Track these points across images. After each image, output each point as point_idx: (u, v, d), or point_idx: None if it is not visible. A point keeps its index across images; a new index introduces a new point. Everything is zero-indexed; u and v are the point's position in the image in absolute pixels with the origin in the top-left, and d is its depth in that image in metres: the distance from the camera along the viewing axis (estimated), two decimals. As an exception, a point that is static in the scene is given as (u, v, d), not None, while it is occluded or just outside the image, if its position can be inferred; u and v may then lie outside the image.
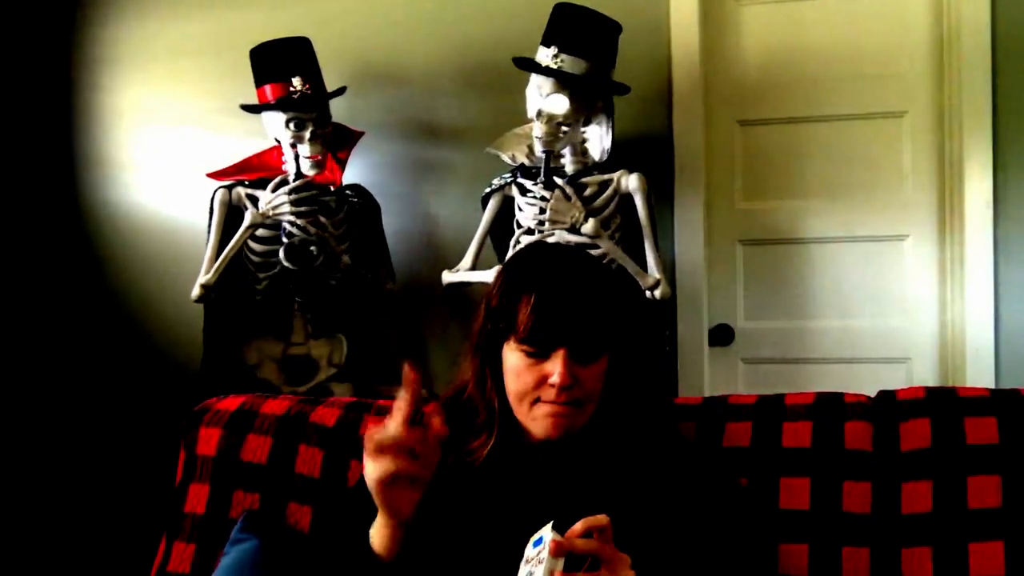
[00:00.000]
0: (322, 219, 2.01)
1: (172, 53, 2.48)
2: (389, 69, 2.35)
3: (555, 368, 1.02)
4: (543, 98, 1.84)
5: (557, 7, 1.89)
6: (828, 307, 2.24)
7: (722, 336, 2.28)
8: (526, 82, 1.97)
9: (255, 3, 2.40)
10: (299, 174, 1.99)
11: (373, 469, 0.92)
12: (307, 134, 1.96)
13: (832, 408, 1.22)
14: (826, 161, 2.23)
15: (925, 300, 2.19)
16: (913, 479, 1.14)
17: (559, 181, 1.93)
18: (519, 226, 1.98)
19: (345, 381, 2.08)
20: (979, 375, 2.06)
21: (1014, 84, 2.05)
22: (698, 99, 2.20)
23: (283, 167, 2.04)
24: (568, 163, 1.96)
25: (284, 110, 1.97)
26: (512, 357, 1.06)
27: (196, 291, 1.99)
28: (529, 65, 1.86)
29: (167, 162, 2.49)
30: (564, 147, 1.91)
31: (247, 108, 2.03)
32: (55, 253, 2.52)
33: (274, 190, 1.98)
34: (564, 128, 1.86)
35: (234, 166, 2.10)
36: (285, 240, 1.98)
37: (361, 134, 2.14)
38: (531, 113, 1.90)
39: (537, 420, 1.05)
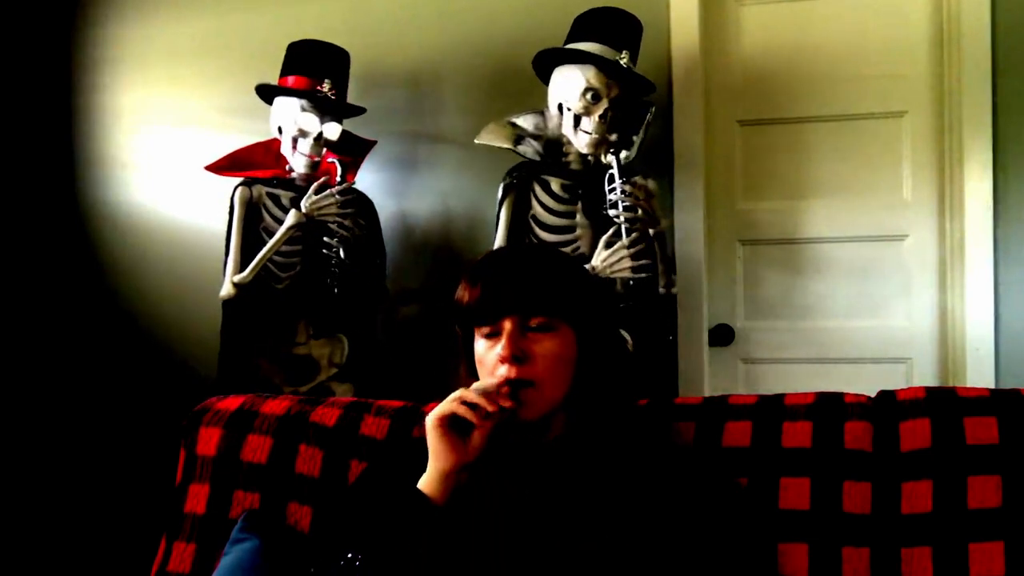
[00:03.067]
0: (361, 221, 2.03)
1: (172, 54, 2.48)
2: (389, 69, 2.35)
3: (503, 342, 1.03)
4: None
5: (615, 10, 1.91)
6: (828, 307, 2.24)
7: (722, 336, 2.28)
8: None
9: (255, 4, 2.40)
10: (343, 178, 2.02)
11: (436, 410, 1.00)
12: (311, 132, 1.97)
13: (832, 408, 1.22)
14: (826, 161, 2.23)
15: (925, 300, 2.19)
16: (913, 479, 1.14)
17: (646, 180, 1.94)
18: (536, 222, 1.95)
19: (346, 381, 2.08)
20: (979, 375, 2.06)
21: (1014, 84, 2.05)
22: (698, 99, 2.20)
23: (285, 164, 2.04)
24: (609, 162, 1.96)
25: (305, 99, 1.99)
26: (477, 347, 1.07)
27: (228, 289, 1.96)
28: (615, 68, 1.85)
29: (167, 162, 2.49)
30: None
31: (263, 88, 2.03)
32: (55, 252, 2.52)
33: (317, 191, 1.99)
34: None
35: (226, 158, 2.09)
36: (332, 240, 2.00)
37: (373, 143, 2.14)
38: (559, 103, 1.89)
39: (503, 403, 1.04)
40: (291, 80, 2.01)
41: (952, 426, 1.15)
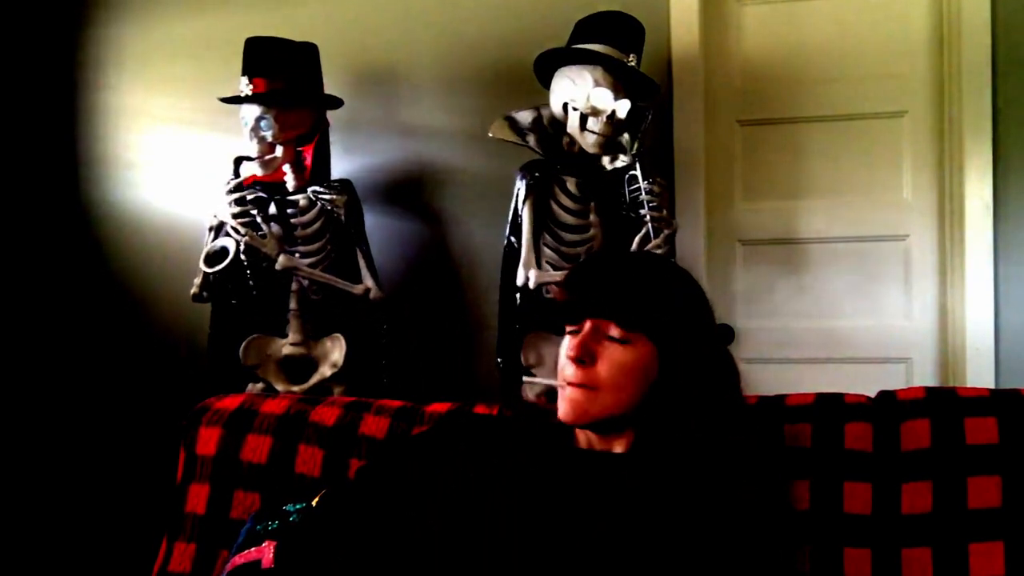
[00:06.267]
0: (258, 219, 1.98)
1: (175, 53, 2.48)
2: (388, 68, 2.35)
3: (575, 341, 1.03)
4: (600, 91, 1.82)
5: (620, 14, 1.90)
6: (828, 307, 2.24)
7: (722, 336, 2.27)
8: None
9: (258, 3, 2.40)
10: (236, 173, 1.98)
11: None
12: (248, 131, 1.96)
13: (832, 408, 1.22)
14: (826, 161, 2.23)
15: (925, 300, 2.19)
16: (913, 479, 1.14)
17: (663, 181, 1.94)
18: (554, 222, 1.93)
19: (344, 382, 2.08)
20: (979, 375, 2.05)
21: (1014, 84, 2.05)
22: (698, 99, 2.20)
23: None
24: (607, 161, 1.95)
25: (229, 103, 1.99)
26: (563, 341, 1.08)
27: (192, 290, 2.02)
28: (623, 69, 1.84)
29: (170, 161, 2.49)
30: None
31: (226, 100, 2.03)
32: (59, 251, 2.52)
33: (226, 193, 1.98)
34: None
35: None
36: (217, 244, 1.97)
37: (326, 126, 2.11)
38: (564, 102, 1.88)
39: (559, 402, 1.05)
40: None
41: (952, 426, 1.16)
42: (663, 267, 1.13)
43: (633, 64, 1.86)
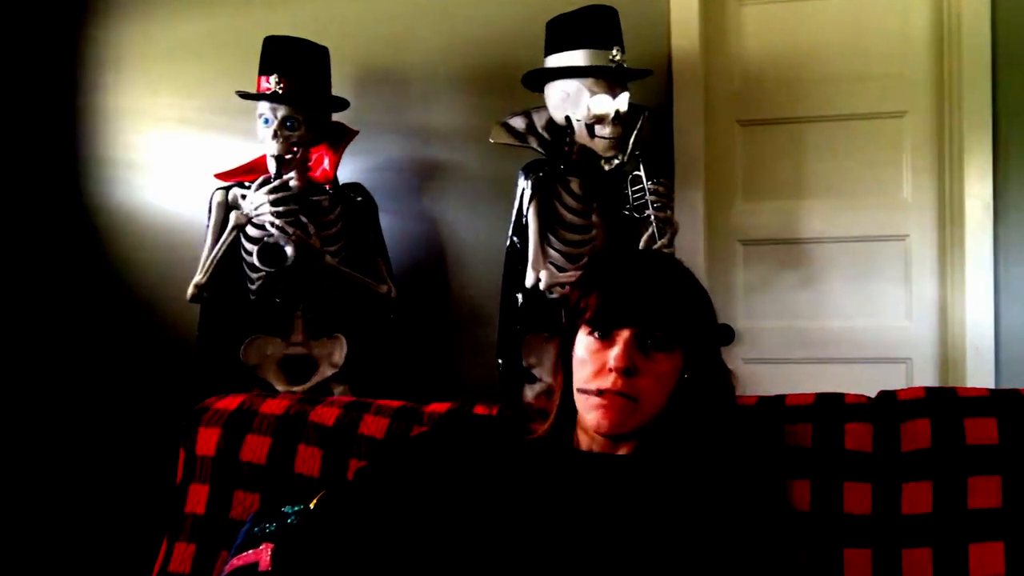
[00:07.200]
0: (303, 219, 1.98)
1: (175, 54, 2.48)
2: (390, 68, 2.35)
3: (616, 351, 1.01)
4: (598, 98, 1.81)
5: (592, 9, 1.88)
6: (828, 307, 2.24)
7: (722, 336, 2.27)
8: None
9: (259, 3, 2.40)
10: (278, 174, 1.98)
11: None
12: (270, 132, 1.95)
13: (832, 409, 1.22)
14: (826, 161, 2.23)
15: (925, 300, 2.19)
16: (913, 479, 1.14)
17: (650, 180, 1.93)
18: (558, 222, 1.92)
19: (344, 382, 2.08)
20: (979, 375, 2.05)
21: (1014, 84, 2.05)
22: (698, 99, 2.20)
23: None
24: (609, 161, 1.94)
25: (253, 99, 1.98)
26: (580, 344, 1.05)
27: (190, 290, 1.99)
28: (618, 73, 1.84)
29: (170, 162, 2.49)
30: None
31: (242, 95, 2.03)
32: (59, 252, 2.52)
33: (257, 191, 1.97)
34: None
35: (241, 167, 2.09)
36: (252, 244, 1.96)
37: (355, 133, 2.13)
38: (574, 114, 1.86)
39: (591, 411, 1.03)
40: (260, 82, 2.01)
41: (952, 426, 1.15)
42: (686, 270, 1.12)
43: (617, 57, 1.85)
